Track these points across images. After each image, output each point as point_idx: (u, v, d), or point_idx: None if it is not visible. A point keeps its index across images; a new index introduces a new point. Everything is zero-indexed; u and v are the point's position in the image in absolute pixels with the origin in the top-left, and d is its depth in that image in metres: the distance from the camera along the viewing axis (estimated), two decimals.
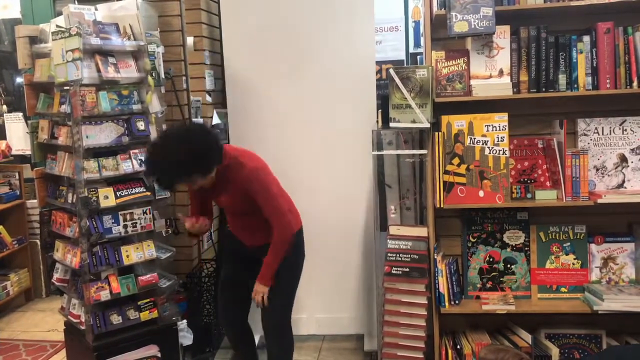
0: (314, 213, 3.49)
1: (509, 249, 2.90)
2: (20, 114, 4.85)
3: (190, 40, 3.62)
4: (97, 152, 2.90)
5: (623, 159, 2.79)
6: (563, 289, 2.87)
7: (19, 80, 5.07)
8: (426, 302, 2.79)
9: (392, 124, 2.77)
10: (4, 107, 5.08)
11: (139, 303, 3.02)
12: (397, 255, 2.83)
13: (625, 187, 2.79)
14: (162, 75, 3.21)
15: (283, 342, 2.80)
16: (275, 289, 2.68)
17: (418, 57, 4.61)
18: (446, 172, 2.73)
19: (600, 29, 2.63)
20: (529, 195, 2.77)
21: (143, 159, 2.69)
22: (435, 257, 2.80)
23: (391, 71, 2.75)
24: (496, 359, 2.18)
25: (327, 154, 3.53)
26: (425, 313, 2.80)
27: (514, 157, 2.81)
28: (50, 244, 3.19)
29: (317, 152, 3.54)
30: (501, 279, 2.91)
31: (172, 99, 3.49)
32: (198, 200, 2.81)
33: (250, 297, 2.83)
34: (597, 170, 2.80)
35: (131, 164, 2.95)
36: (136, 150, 2.98)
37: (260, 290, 2.66)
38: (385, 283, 2.83)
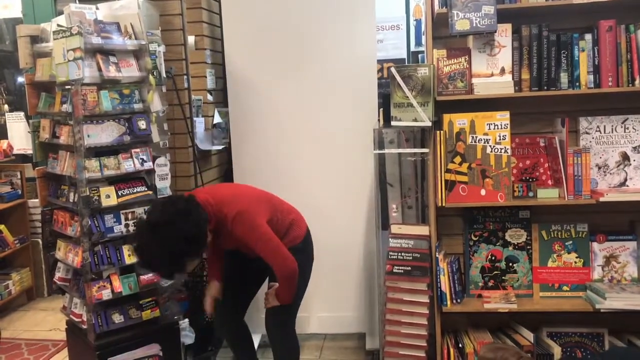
0: (315, 212, 3.49)
1: (510, 248, 2.90)
2: (22, 114, 4.85)
3: (191, 39, 3.62)
4: (99, 152, 2.90)
5: (625, 157, 2.78)
6: (565, 288, 2.87)
7: (20, 79, 5.07)
8: (428, 301, 2.79)
9: (393, 123, 2.77)
10: (6, 106, 5.09)
11: (140, 302, 3.02)
12: (399, 254, 2.83)
13: (627, 186, 2.78)
14: (164, 74, 3.21)
15: (287, 344, 2.78)
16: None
17: (419, 55, 4.61)
18: (448, 171, 2.73)
19: (602, 27, 2.63)
20: (530, 194, 2.76)
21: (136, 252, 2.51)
22: (437, 255, 2.79)
23: (392, 70, 2.75)
24: (496, 358, 2.18)
25: (328, 153, 3.53)
26: (427, 312, 2.80)
27: (515, 155, 2.80)
28: (51, 243, 3.19)
29: (318, 151, 3.54)
30: (503, 278, 2.91)
31: (174, 98, 3.49)
32: (212, 249, 2.76)
33: (247, 298, 2.82)
34: (599, 168, 2.79)
35: (132, 163, 2.95)
36: (137, 150, 2.98)
37: (271, 301, 2.61)
38: (387, 282, 2.83)
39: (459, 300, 2.81)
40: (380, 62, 4.13)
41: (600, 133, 2.78)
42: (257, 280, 2.88)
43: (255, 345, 3.57)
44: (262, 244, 2.48)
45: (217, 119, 3.84)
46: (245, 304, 2.86)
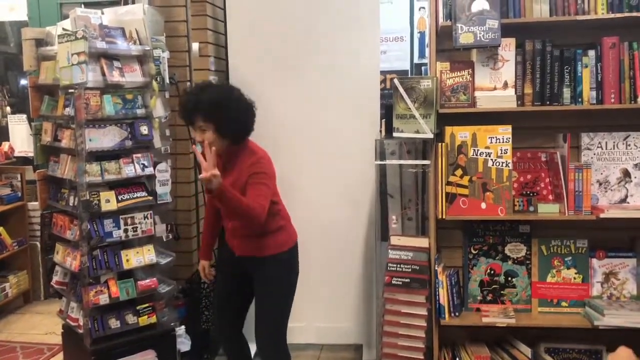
0: (315, 221, 3.50)
1: (510, 262, 2.89)
2: (24, 116, 4.86)
3: (195, 46, 3.63)
4: (100, 156, 2.89)
5: (626, 174, 2.78)
6: (564, 304, 2.86)
7: (24, 82, 5.08)
8: (426, 314, 2.78)
9: (395, 134, 2.77)
10: (8, 108, 5.09)
11: (137, 308, 3.01)
12: (398, 265, 2.82)
13: (628, 202, 2.78)
14: (167, 81, 3.21)
15: (278, 356, 2.73)
16: (268, 306, 2.64)
17: (423, 67, 4.62)
18: (449, 183, 2.73)
19: (605, 43, 2.64)
20: (531, 209, 2.76)
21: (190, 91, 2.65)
22: (436, 268, 2.79)
23: (396, 81, 2.75)
24: None
25: (330, 163, 3.52)
26: (425, 324, 2.78)
27: (517, 169, 2.80)
28: (50, 247, 3.18)
29: (320, 161, 3.53)
30: (502, 292, 2.90)
31: (176, 104, 3.48)
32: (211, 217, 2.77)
33: (244, 309, 2.81)
34: (600, 184, 2.79)
35: (133, 168, 2.95)
36: (139, 155, 2.98)
37: (212, 178, 2.23)
38: (385, 293, 2.82)
39: (457, 314, 2.80)
40: (383, 73, 4.15)
41: (602, 149, 2.78)
42: (250, 294, 2.85)
43: (252, 353, 3.57)
44: (261, 189, 2.46)
45: None
46: (243, 316, 2.85)
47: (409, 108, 2.72)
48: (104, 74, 2.85)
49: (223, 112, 2.47)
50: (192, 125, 2.56)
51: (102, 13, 2.98)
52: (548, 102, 2.68)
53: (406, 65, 4.72)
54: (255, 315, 2.71)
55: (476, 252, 2.91)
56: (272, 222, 2.60)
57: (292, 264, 2.71)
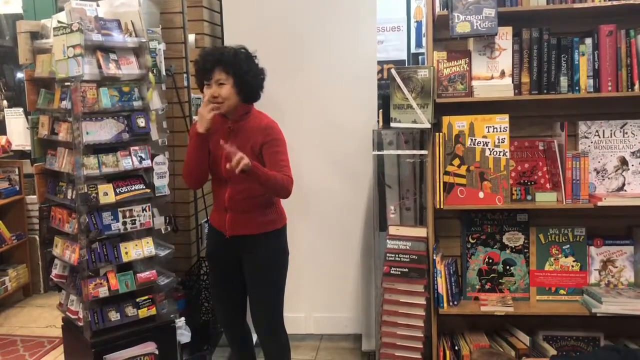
0: (313, 212, 3.50)
1: (508, 251, 2.90)
2: (21, 110, 4.84)
3: (191, 37, 3.62)
4: (97, 149, 2.89)
5: (623, 162, 2.79)
6: (562, 291, 2.87)
7: (20, 75, 5.07)
8: (425, 303, 2.79)
9: (392, 124, 2.77)
10: (5, 102, 5.08)
11: (137, 300, 3.01)
12: (396, 255, 2.83)
13: (625, 190, 2.79)
14: (163, 73, 3.20)
15: (279, 341, 2.77)
16: (266, 289, 2.66)
17: (420, 57, 4.61)
18: (446, 173, 2.73)
19: (602, 31, 2.63)
20: (529, 197, 2.77)
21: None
22: (435, 257, 2.80)
23: (393, 71, 2.75)
24: None
25: (327, 153, 3.52)
26: (424, 313, 2.80)
27: (514, 158, 2.81)
28: (49, 240, 3.18)
29: (317, 151, 3.53)
30: (500, 281, 2.91)
31: (173, 96, 3.49)
32: (199, 153, 2.60)
33: (244, 299, 2.80)
34: (598, 173, 2.80)
35: (131, 160, 2.94)
36: (136, 147, 2.97)
37: (240, 159, 2.30)
38: (384, 283, 2.83)
39: (455, 303, 2.82)
40: (380, 63, 4.13)
41: (599, 137, 2.79)
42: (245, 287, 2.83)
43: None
44: (280, 158, 2.54)
45: None
46: (244, 304, 2.85)
47: (407, 98, 2.72)
48: (100, 67, 2.83)
49: (244, 63, 2.57)
50: (207, 81, 2.56)
51: (98, 5, 2.97)
52: (545, 91, 2.68)
53: (403, 55, 4.71)
54: (249, 301, 2.73)
55: (474, 241, 2.92)
56: (268, 197, 2.61)
57: (284, 244, 2.72)
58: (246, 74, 2.57)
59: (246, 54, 2.63)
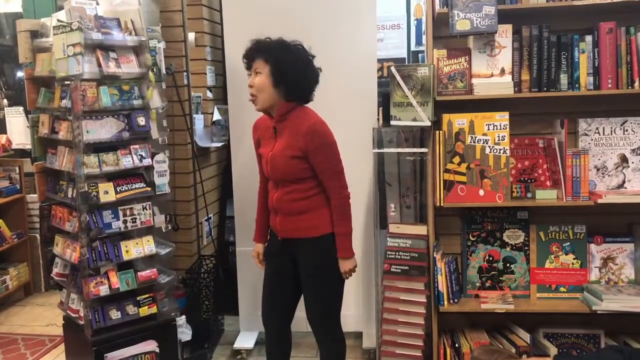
0: None
1: (508, 248, 2.90)
2: (21, 108, 4.85)
3: (191, 36, 3.62)
4: (98, 147, 2.89)
5: (624, 159, 2.79)
6: (562, 289, 2.87)
7: (20, 74, 5.07)
8: (425, 301, 2.80)
9: (393, 122, 2.77)
10: (5, 101, 5.08)
11: (138, 298, 3.02)
12: (397, 253, 2.83)
13: (625, 188, 2.79)
14: (163, 71, 3.21)
15: (332, 343, 2.67)
16: (317, 292, 2.59)
17: (420, 55, 4.60)
18: (446, 171, 2.73)
19: (602, 28, 2.63)
20: (529, 195, 2.77)
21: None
22: (435, 255, 2.80)
23: (393, 69, 2.75)
24: None
25: None
26: (424, 311, 2.80)
27: (514, 156, 2.80)
28: (49, 239, 3.19)
29: None
30: (500, 278, 2.91)
31: (173, 94, 3.49)
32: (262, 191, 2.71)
33: (294, 303, 2.71)
34: (598, 170, 2.79)
35: (131, 159, 2.95)
36: (136, 146, 2.98)
37: (345, 266, 2.50)
38: (384, 281, 2.83)
39: (456, 300, 2.82)
40: (380, 61, 4.13)
41: (599, 135, 2.78)
42: (297, 289, 2.73)
43: (253, 342, 3.59)
44: (333, 161, 2.49)
45: (217, 116, 3.83)
46: (292, 308, 2.75)
47: (407, 96, 2.72)
48: (100, 65, 2.84)
49: (287, 53, 2.44)
50: (249, 71, 2.52)
51: (97, 4, 2.97)
52: (545, 89, 2.68)
53: (403, 53, 4.70)
54: (305, 302, 2.66)
55: (474, 238, 2.92)
56: (317, 200, 2.53)
57: (334, 249, 2.56)
58: (285, 64, 2.42)
59: (294, 46, 2.49)
